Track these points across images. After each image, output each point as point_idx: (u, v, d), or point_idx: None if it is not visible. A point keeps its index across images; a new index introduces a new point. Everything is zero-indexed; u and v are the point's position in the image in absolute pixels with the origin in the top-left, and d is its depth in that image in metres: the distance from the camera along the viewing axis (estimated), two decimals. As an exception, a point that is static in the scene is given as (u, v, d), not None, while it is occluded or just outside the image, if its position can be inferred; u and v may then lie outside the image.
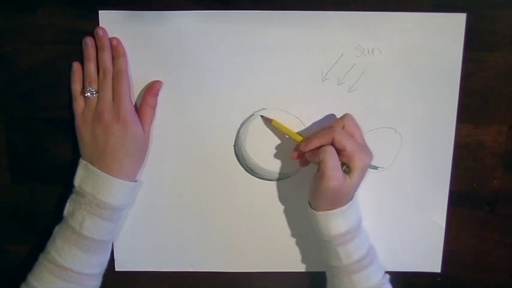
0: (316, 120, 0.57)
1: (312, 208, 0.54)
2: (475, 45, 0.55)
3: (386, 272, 0.56)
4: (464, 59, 0.55)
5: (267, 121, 0.57)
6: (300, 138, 0.55)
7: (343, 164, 0.51)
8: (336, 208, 0.52)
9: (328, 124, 0.53)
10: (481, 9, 0.54)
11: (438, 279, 0.62)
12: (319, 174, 0.50)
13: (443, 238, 0.60)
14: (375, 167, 0.58)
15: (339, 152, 0.51)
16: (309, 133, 0.55)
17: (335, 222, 0.52)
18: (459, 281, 0.62)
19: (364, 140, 0.53)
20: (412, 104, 0.57)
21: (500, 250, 0.62)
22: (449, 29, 0.54)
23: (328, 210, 0.52)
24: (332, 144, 0.51)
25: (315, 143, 0.52)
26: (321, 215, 0.52)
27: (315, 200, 0.53)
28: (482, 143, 0.58)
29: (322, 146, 0.51)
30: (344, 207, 0.52)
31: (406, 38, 0.55)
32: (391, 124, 0.57)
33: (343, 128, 0.52)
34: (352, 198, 0.53)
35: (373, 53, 0.55)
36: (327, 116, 0.57)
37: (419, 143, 0.58)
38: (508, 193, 0.60)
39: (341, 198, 0.52)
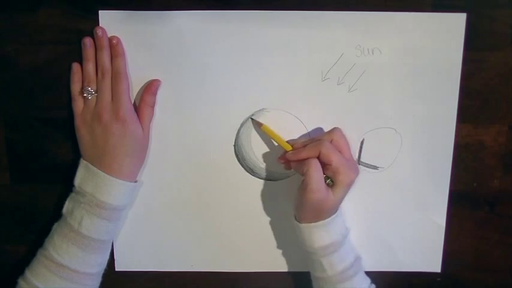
0: (316, 120, 0.57)
1: (296, 220, 0.54)
2: (475, 45, 0.55)
3: (385, 273, 0.56)
4: (464, 59, 0.55)
5: (257, 125, 0.57)
6: (288, 147, 0.55)
7: (327, 178, 0.51)
8: (318, 221, 0.52)
9: (318, 136, 0.54)
10: (481, 9, 0.54)
11: (438, 279, 0.62)
12: (303, 185, 0.51)
13: (443, 238, 0.60)
14: (375, 167, 0.58)
15: (325, 165, 0.51)
16: (298, 141, 0.55)
17: (318, 234, 0.53)
18: (459, 281, 0.62)
19: (351, 155, 0.54)
20: (412, 104, 0.57)
21: (500, 250, 0.62)
22: (449, 29, 0.54)
23: (311, 222, 0.52)
24: (318, 157, 0.51)
25: (301, 155, 0.52)
26: (304, 227, 0.53)
27: (298, 212, 0.53)
28: (482, 143, 0.58)
29: (309, 157, 0.51)
30: (326, 221, 0.52)
31: (406, 38, 0.55)
32: (391, 124, 0.57)
33: (331, 141, 0.52)
34: (335, 212, 0.53)
35: (373, 53, 0.55)
36: (327, 116, 0.57)
37: (419, 143, 0.58)
38: (508, 193, 0.60)
39: (324, 212, 0.52)
